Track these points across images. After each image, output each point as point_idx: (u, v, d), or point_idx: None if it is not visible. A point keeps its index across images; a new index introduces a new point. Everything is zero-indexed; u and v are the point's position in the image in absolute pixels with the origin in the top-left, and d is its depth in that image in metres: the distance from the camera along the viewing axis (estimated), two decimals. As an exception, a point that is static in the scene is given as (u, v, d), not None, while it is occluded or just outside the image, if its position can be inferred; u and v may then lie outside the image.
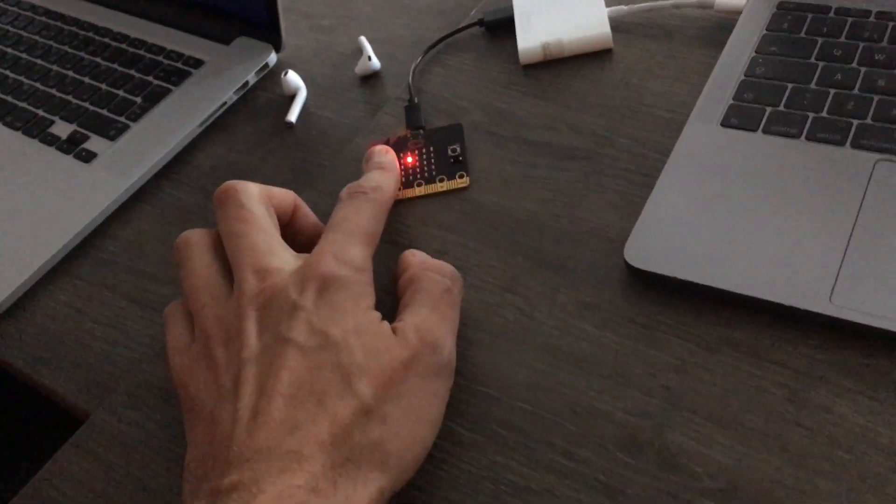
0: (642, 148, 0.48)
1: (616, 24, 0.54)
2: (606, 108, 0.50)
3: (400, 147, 0.51)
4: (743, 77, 0.47)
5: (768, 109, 0.45)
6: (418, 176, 0.49)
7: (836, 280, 0.37)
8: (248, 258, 0.39)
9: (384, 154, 0.47)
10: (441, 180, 0.49)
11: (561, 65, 0.54)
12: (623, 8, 0.54)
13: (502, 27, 0.57)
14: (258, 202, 0.42)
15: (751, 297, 0.38)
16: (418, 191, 0.49)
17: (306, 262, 0.38)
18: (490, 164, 0.49)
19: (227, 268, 0.40)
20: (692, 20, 0.54)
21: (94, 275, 0.53)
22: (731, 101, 0.46)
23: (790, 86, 0.46)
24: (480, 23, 0.57)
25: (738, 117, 0.45)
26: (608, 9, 0.54)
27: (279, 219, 0.43)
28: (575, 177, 0.47)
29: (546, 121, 0.51)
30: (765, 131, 0.44)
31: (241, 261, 0.39)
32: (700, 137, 0.45)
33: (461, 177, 0.49)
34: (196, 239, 0.41)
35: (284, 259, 0.39)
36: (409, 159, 0.50)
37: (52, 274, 0.53)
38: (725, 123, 0.45)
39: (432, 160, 0.50)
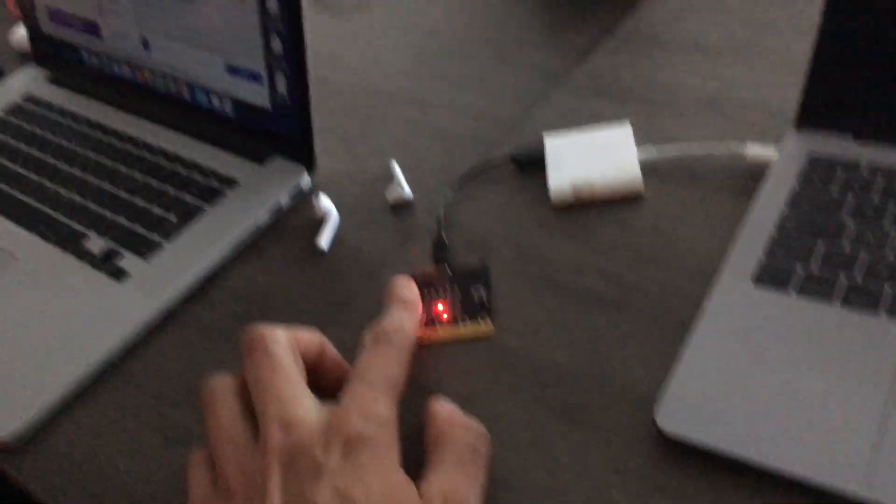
0: (672, 298, 0.47)
1: (646, 168, 0.55)
2: (636, 254, 0.51)
3: (425, 283, 0.51)
4: (774, 233, 0.47)
5: (800, 269, 0.45)
6: (442, 316, 0.49)
7: (873, 459, 0.37)
8: (273, 409, 0.39)
9: (406, 287, 0.47)
10: (465, 323, 0.49)
11: (591, 206, 0.54)
12: (654, 152, 0.55)
13: (534, 164, 0.58)
14: (285, 349, 0.42)
15: (788, 473, 0.37)
16: (442, 333, 0.49)
17: (332, 417, 0.38)
18: (517, 307, 0.49)
19: (253, 415, 0.40)
20: (723, 167, 0.54)
21: (119, 399, 0.53)
22: (763, 258, 0.46)
23: (822, 245, 0.46)
24: (512, 159, 0.58)
25: (771, 276, 0.45)
26: (639, 153, 0.55)
27: (305, 361, 0.43)
28: (603, 325, 0.47)
29: (575, 264, 0.51)
30: (798, 292, 0.44)
31: (267, 411, 0.39)
32: (733, 295, 0.45)
33: (485, 322, 0.49)
34: (222, 386, 0.41)
35: (310, 409, 0.39)
36: (434, 298, 0.50)
37: (79, 397, 0.53)
38: (758, 281, 0.45)
39: (457, 301, 0.50)
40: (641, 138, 0.57)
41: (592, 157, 0.55)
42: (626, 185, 0.54)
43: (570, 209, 0.55)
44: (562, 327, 0.48)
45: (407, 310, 0.45)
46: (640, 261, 0.50)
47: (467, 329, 0.49)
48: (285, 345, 0.42)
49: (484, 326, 0.49)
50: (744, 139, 0.55)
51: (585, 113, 0.61)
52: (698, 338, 0.43)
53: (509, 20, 0.77)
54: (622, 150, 0.55)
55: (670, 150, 0.55)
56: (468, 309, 0.49)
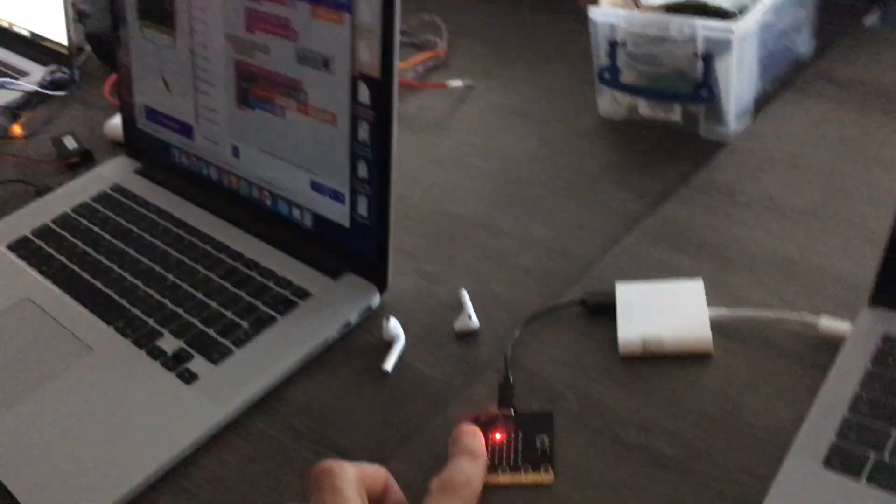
0: (738, 471, 0.47)
1: (717, 327, 0.55)
2: (703, 416, 0.51)
3: (488, 426, 0.51)
4: (846, 414, 0.47)
5: (872, 456, 0.45)
6: (503, 461, 0.50)
7: None
8: (338, 548, 0.39)
9: (473, 438, 0.48)
10: (525, 471, 0.49)
11: (660, 360, 0.55)
12: (725, 312, 0.56)
13: (603, 310, 0.58)
14: (352, 486, 0.42)
15: None
16: (502, 479, 0.49)
17: None
18: (579, 460, 0.49)
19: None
20: (794, 335, 0.55)
21: (176, 508, 0.53)
22: (834, 440, 0.46)
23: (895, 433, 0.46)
24: (582, 302, 0.59)
25: (841, 460, 0.45)
26: (710, 311, 0.55)
27: (370, 497, 0.44)
28: (666, 491, 0.47)
29: (640, 420, 0.51)
30: (869, 481, 0.44)
31: (332, 549, 0.39)
32: (801, 476, 0.44)
33: (546, 471, 0.49)
34: (290, 517, 0.42)
35: (372, 553, 0.40)
36: (497, 441, 0.50)
37: (137, 499, 0.54)
38: (828, 464, 0.45)
39: (519, 447, 0.50)
40: (713, 294, 0.58)
41: (663, 310, 0.56)
42: (695, 344, 0.54)
43: (637, 360, 0.55)
44: (624, 488, 0.47)
45: (474, 463, 0.45)
46: (706, 424, 0.50)
47: (528, 477, 0.49)
48: (353, 482, 0.42)
49: (545, 476, 0.49)
50: (817, 309, 0.55)
51: (657, 262, 0.62)
52: (765, 517, 0.43)
53: (586, 155, 0.79)
54: (693, 306, 0.56)
55: (742, 312, 0.56)
56: (530, 456, 0.50)
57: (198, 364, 0.62)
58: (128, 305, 0.68)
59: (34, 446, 0.57)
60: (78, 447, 0.57)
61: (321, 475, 0.42)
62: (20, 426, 0.59)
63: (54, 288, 0.71)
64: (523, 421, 0.52)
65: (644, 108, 0.80)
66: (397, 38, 0.59)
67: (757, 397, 0.51)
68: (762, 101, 0.79)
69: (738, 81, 0.74)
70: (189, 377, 0.61)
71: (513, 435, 0.51)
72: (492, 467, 0.49)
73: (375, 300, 0.65)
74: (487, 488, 0.49)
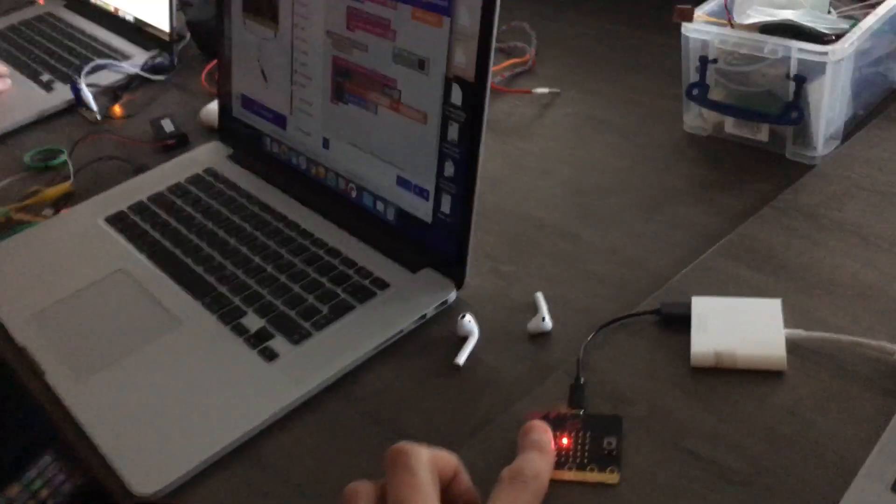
0: (804, 489, 0.47)
1: (792, 347, 0.55)
2: (772, 434, 0.51)
3: (558, 425, 0.52)
4: (920, 443, 0.47)
5: (944, 488, 0.44)
6: (570, 459, 0.51)
7: None
8: (408, 525, 0.41)
9: (542, 433, 0.49)
10: (591, 470, 0.50)
11: (731, 374, 0.55)
12: (801, 332, 0.56)
13: (678, 321, 0.59)
14: (426, 468, 0.44)
15: None
16: (568, 475, 0.50)
17: None
18: (645, 466, 0.50)
19: (387, 525, 0.42)
20: (870, 361, 0.54)
21: (252, 477, 0.56)
22: (905, 472, 0.46)
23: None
24: (657, 312, 0.60)
25: (911, 487, 0.45)
26: (786, 331, 0.56)
27: (440, 480, 0.45)
28: (730, 503, 0.47)
29: (708, 432, 0.52)
30: (938, 510, 0.43)
31: (402, 526, 0.41)
32: (867, 500, 0.44)
33: (612, 472, 0.50)
34: (364, 493, 0.44)
35: (442, 533, 0.41)
36: (565, 440, 0.52)
37: (215, 466, 0.57)
38: (894, 491, 0.45)
39: (586, 446, 0.51)
40: (790, 315, 0.58)
41: (739, 325, 0.56)
42: (769, 361, 0.54)
43: (708, 372, 0.55)
44: (688, 497, 0.48)
45: (543, 457, 0.47)
46: (775, 442, 0.50)
47: (594, 476, 0.50)
48: (426, 464, 0.44)
49: (610, 477, 0.50)
50: (895, 338, 0.55)
51: (735, 279, 0.62)
52: (830, 538, 0.43)
53: (668, 169, 0.79)
54: (769, 324, 0.56)
55: (818, 334, 0.56)
56: (597, 457, 0.51)
57: (278, 343, 0.64)
58: (215, 283, 0.71)
59: (123, 408, 0.61)
60: (163, 412, 0.60)
61: (397, 455, 0.44)
62: (111, 389, 0.63)
63: (147, 261, 0.75)
64: (592, 422, 0.53)
65: (731, 125, 0.80)
66: (494, 42, 0.60)
67: (827, 419, 0.51)
68: (852, 127, 0.78)
69: (830, 105, 0.74)
70: (270, 355, 0.63)
71: (581, 434, 0.52)
72: (559, 464, 0.50)
73: (452, 296, 0.67)
74: (553, 483, 0.50)
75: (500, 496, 0.43)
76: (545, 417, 0.52)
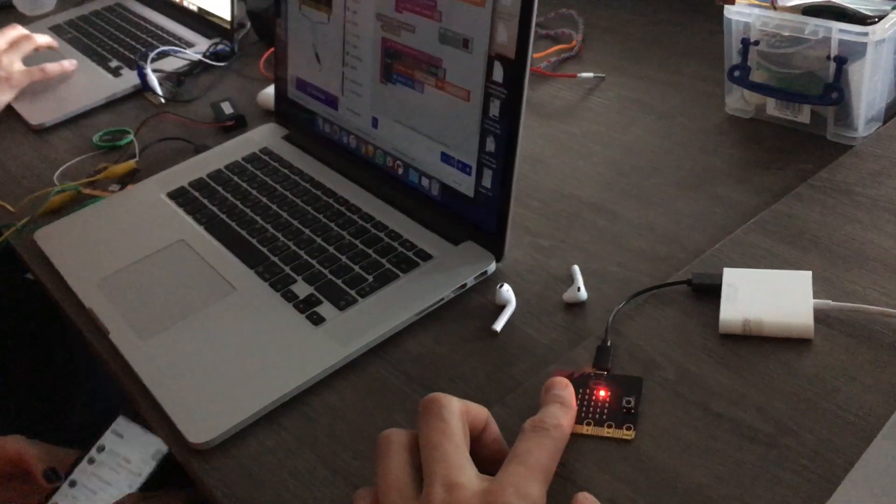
0: (826, 449, 0.49)
1: (820, 316, 0.57)
2: (797, 398, 0.52)
3: (580, 383, 0.55)
4: (941, 406, 0.48)
5: (962, 447, 0.45)
6: (589, 416, 0.53)
7: None
8: (440, 468, 0.44)
9: (564, 388, 0.51)
10: (609, 426, 0.52)
11: (758, 342, 0.56)
12: (830, 302, 0.57)
13: (709, 292, 0.60)
14: (457, 417, 0.47)
15: None
16: (586, 429, 0.52)
17: (491, 487, 0.43)
18: (671, 425, 0.52)
19: (419, 470, 0.45)
20: (898, 330, 0.55)
21: (298, 429, 0.60)
22: (925, 430, 0.47)
23: None
24: (688, 282, 0.62)
25: (929, 448, 0.46)
26: (815, 301, 0.57)
27: (470, 430, 0.48)
28: (752, 460, 0.49)
29: (734, 396, 0.53)
30: (955, 469, 0.45)
31: (433, 470, 0.44)
32: (886, 460, 0.46)
33: (628, 429, 0.52)
34: (397, 438, 0.47)
35: (472, 477, 0.44)
36: (587, 396, 0.54)
37: (264, 419, 0.61)
38: (915, 450, 0.46)
39: (606, 405, 0.54)
40: (820, 287, 0.59)
41: (768, 295, 0.58)
42: (796, 329, 0.56)
43: (736, 340, 0.57)
44: (712, 453, 0.50)
45: (564, 410, 0.49)
46: (800, 406, 0.52)
47: (611, 432, 0.52)
48: (457, 413, 0.47)
49: (626, 434, 0.52)
50: (925, 308, 0.56)
51: (767, 253, 0.64)
52: (841, 493, 0.45)
53: (709, 150, 0.81)
54: (799, 294, 0.57)
55: (847, 304, 0.57)
56: (615, 415, 0.53)
57: (325, 309, 0.68)
58: (268, 253, 0.75)
59: (181, 366, 0.65)
60: (217, 370, 0.64)
61: (430, 403, 0.47)
62: (171, 348, 0.67)
63: (205, 233, 0.79)
64: (614, 382, 0.55)
65: (772, 107, 0.81)
66: (534, 19, 0.63)
67: (853, 385, 0.52)
68: (893, 108, 0.79)
69: (871, 86, 0.74)
70: (317, 319, 0.67)
71: (602, 393, 0.54)
72: (578, 419, 0.53)
73: (491, 267, 0.70)
74: (573, 436, 0.52)
75: (522, 443, 0.46)
76: (569, 376, 0.55)
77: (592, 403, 0.54)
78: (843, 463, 0.48)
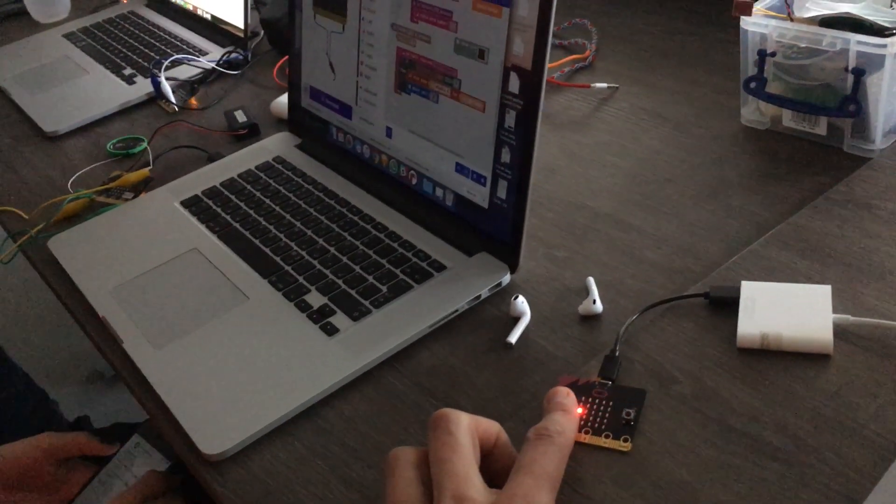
0: (846, 468, 0.48)
1: (839, 332, 0.56)
2: (816, 415, 0.52)
3: (583, 391, 0.55)
4: (963, 425, 0.47)
5: None
6: (588, 424, 0.53)
7: None
8: (449, 482, 0.44)
9: (566, 397, 0.51)
10: (606, 436, 0.52)
11: (777, 357, 0.56)
12: (849, 318, 0.56)
13: (726, 305, 0.60)
14: (466, 432, 0.47)
15: None
16: (583, 438, 0.52)
17: (500, 499, 0.43)
18: (690, 441, 0.52)
19: (428, 486, 0.45)
20: (919, 347, 0.55)
21: (312, 441, 0.59)
22: (947, 448, 0.46)
23: None
24: (706, 295, 0.61)
25: (952, 466, 0.45)
26: (835, 316, 0.56)
27: (481, 447, 0.48)
28: (771, 478, 0.49)
29: (752, 411, 0.53)
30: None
31: (442, 484, 0.44)
32: (907, 477, 0.45)
33: (625, 441, 0.52)
34: (404, 456, 0.47)
35: (480, 490, 0.44)
36: (588, 405, 0.54)
37: (277, 430, 0.60)
38: (937, 469, 0.45)
39: (606, 414, 0.53)
40: (839, 301, 0.58)
41: (786, 309, 0.57)
42: (815, 344, 0.55)
43: (754, 354, 0.56)
44: (730, 470, 0.49)
45: (567, 417, 0.49)
46: (819, 423, 0.51)
47: (607, 442, 0.52)
48: (465, 428, 0.47)
49: (622, 445, 0.52)
50: (946, 324, 0.55)
51: (785, 267, 0.63)
52: (866, 511, 0.44)
53: (724, 161, 0.80)
54: (817, 309, 0.57)
55: (867, 320, 0.56)
56: (613, 425, 0.53)
57: (339, 320, 0.68)
58: (281, 262, 0.75)
59: (195, 375, 0.65)
60: (231, 380, 0.64)
61: (438, 418, 0.47)
62: (184, 358, 0.67)
63: (218, 242, 0.79)
64: (617, 392, 0.55)
65: (788, 119, 0.80)
66: (551, 30, 0.62)
67: (873, 402, 0.52)
68: (913, 121, 0.78)
69: (889, 98, 0.74)
70: (331, 330, 0.67)
71: (603, 402, 0.54)
72: (578, 426, 0.52)
73: (506, 279, 0.69)
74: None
75: (527, 453, 0.46)
76: (574, 383, 0.55)
77: (593, 412, 0.54)
78: (864, 481, 0.47)
